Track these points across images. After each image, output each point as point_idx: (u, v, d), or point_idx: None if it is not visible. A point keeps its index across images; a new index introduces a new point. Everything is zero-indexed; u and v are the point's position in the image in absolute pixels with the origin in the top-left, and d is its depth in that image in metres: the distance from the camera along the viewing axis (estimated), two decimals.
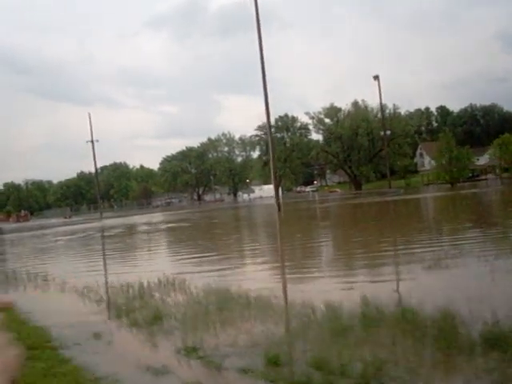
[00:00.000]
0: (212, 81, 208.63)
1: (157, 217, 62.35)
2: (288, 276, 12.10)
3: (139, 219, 60.24)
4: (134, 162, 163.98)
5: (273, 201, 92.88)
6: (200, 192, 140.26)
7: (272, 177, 45.74)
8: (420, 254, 12.57)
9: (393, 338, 5.77)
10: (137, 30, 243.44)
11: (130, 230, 38.69)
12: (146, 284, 11.20)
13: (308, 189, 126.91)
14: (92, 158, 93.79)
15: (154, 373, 5.57)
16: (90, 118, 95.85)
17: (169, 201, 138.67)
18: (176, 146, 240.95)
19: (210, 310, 8.46)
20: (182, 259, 16.85)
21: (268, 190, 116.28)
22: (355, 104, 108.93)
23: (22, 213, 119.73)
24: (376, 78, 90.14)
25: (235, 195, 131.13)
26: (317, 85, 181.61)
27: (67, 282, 13.23)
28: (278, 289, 9.56)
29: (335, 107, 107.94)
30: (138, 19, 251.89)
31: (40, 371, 5.70)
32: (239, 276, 12.17)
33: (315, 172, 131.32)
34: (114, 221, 61.25)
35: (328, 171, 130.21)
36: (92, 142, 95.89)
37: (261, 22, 42.26)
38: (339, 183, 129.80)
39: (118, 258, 19.91)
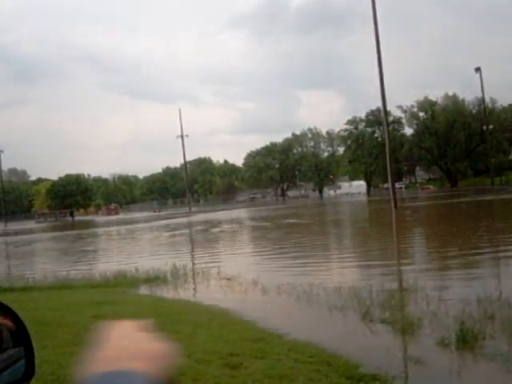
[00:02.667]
0: (291, 77, 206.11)
1: (251, 212, 60.53)
2: None
3: (235, 214, 58.88)
4: (213, 158, 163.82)
5: (363, 197, 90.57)
6: (284, 188, 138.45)
7: (388, 173, 43.03)
8: None
9: None
10: (219, 29, 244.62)
11: (240, 224, 37.06)
12: (364, 287, 9.31)
13: (397, 186, 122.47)
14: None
15: None
16: (180, 114, 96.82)
17: (252, 196, 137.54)
18: (254, 141, 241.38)
19: None
20: (374, 260, 14.65)
21: (357, 186, 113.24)
22: (446, 97, 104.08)
23: (112, 206, 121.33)
24: (477, 70, 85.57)
25: (321, 191, 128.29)
26: (401, 79, 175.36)
27: (256, 280, 11.54)
28: None
29: (429, 100, 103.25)
30: (221, 18, 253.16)
31: None
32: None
33: (404, 168, 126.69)
34: (208, 215, 60.12)
35: (417, 168, 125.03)
36: (182, 137, 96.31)
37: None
38: (429, 180, 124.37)
39: (274, 254, 18.07)
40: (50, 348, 5.97)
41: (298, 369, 5.26)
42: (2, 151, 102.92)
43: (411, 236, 20.70)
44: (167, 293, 11.23)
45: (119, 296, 10.59)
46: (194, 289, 11.56)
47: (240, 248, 20.93)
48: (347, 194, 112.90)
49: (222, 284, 11.77)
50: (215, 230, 32.88)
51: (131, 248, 25.35)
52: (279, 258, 16.73)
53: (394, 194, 40.69)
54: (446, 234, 19.83)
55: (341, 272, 12.78)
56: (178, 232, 34.19)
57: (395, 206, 39.35)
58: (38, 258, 25.37)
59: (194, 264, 14.81)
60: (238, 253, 19.04)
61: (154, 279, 12.87)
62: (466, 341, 6.12)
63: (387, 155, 41.98)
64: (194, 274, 13.25)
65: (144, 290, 11.75)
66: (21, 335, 1.63)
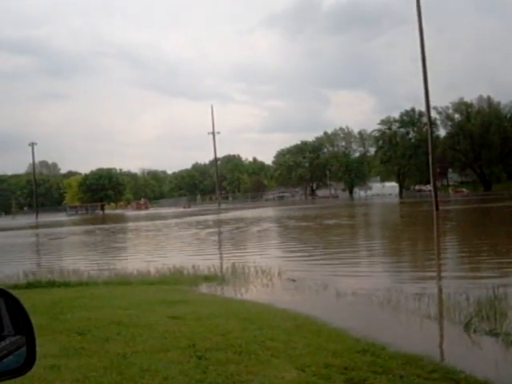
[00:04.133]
0: (321, 76, 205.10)
1: (285, 211, 59.63)
2: None
3: (268, 212, 58.38)
4: (242, 155, 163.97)
5: (395, 199, 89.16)
6: (313, 187, 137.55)
7: (431, 173, 42.25)
8: None
9: None
10: (250, 28, 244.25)
11: (279, 223, 36.36)
12: None
13: (428, 188, 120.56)
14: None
15: None
16: (212, 111, 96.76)
17: (281, 195, 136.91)
18: (283, 140, 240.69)
19: None
20: None
21: (389, 187, 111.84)
22: (480, 99, 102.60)
23: (142, 201, 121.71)
24: None
25: (351, 192, 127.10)
26: (433, 80, 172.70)
27: (325, 283, 10.95)
28: None
29: (465, 102, 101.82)
30: (252, 17, 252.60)
31: None
32: None
33: (436, 170, 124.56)
34: (240, 213, 59.60)
35: (450, 169, 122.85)
36: (213, 133, 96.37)
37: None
38: (461, 183, 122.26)
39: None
40: (143, 354, 5.47)
41: None
42: (35, 143, 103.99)
43: (471, 241, 19.65)
44: (232, 293, 10.71)
45: (185, 295, 10.09)
46: (260, 290, 11.01)
47: (290, 248, 20.16)
48: (378, 195, 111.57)
49: (288, 286, 11.23)
50: (255, 228, 32.19)
51: (173, 244, 24.93)
52: (338, 260, 16.08)
53: (436, 195, 39.85)
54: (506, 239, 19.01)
55: (414, 277, 12.15)
56: (216, 229, 33.65)
57: (437, 209, 38.41)
58: (80, 251, 25.03)
59: (248, 263, 14.17)
60: (289, 253, 18.39)
61: (214, 278, 12.39)
62: None
63: (430, 156, 41.28)
64: (253, 274, 12.70)
65: (206, 289, 11.26)
66: (23, 323, 1.69)
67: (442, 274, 12.36)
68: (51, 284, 12.32)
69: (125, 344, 5.92)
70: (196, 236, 28.73)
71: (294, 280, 11.60)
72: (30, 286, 12.35)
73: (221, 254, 19.11)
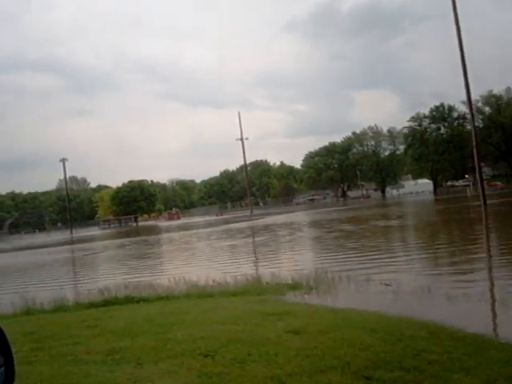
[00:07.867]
0: (343, 78, 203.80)
1: (321, 214, 58.36)
2: None
3: (304, 216, 57.70)
4: (269, 160, 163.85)
5: (430, 196, 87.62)
6: (344, 188, 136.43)
7: (476, 167, 41.16)
8: None
9: None
10: (271, 34, 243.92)
11: (324, 226, 35.56)
12: None
13: (462, 183, 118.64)
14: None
15: None
16: (239, 117, 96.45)
17: (312, 198, 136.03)
18: (309, 143, 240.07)
19: None
20: None
21: (422, 185, 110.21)
22: (508, 90, 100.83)
23: (174, 211, 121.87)
24: None
25: (383, 191, 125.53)
26: (457, 74, 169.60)
27: (424, 285, 10.30)
28: None
29: (494, 94, 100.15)
30: (272, 24, 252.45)
31: None
32: None
33: (469, 165, 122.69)
34: (276, 218, 58.86)
35: (482, 164, 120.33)
36: (242, 139, 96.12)
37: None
38: (493, 176, 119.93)
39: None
40: (299, 377, 4.86)
41: None
42: (66, 159, 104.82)
43: None
44: (328, 301, 10.13)
45: (282, 305, 9.49)
46: (356, 296, 10.42)
47: (359, 252, 18.90)
48: (411, 193, 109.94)
49: (385, 290, 10.61)
50: (304, 233, 31.42)
51: (227, 253, 24.22)
52: (419, 261, 15.38)
53: (483, 190, 38.71)
54: None
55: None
56: (264, 236, 32.55)
57: (485, 204, 37.36)
58: (137, 264, 24.17)
59: (324, 269, 13.55)
60: (361, 258, 17.41)
61: (299, 286, 11.82)
62: None
63: (475, 150, 40.30)
64: (337, 280, 12.09)
65: (294, 298, 10.70)
66: (0, 343, 1.71)
67: None
68: (129, 300, 11.89)
69: (267, 365, 5.34)
70: (247, 243, 28.18)
71: (388, 284, 10.99)
72: (107, 303, 11.96)
73: (287, 260, 18.47)
